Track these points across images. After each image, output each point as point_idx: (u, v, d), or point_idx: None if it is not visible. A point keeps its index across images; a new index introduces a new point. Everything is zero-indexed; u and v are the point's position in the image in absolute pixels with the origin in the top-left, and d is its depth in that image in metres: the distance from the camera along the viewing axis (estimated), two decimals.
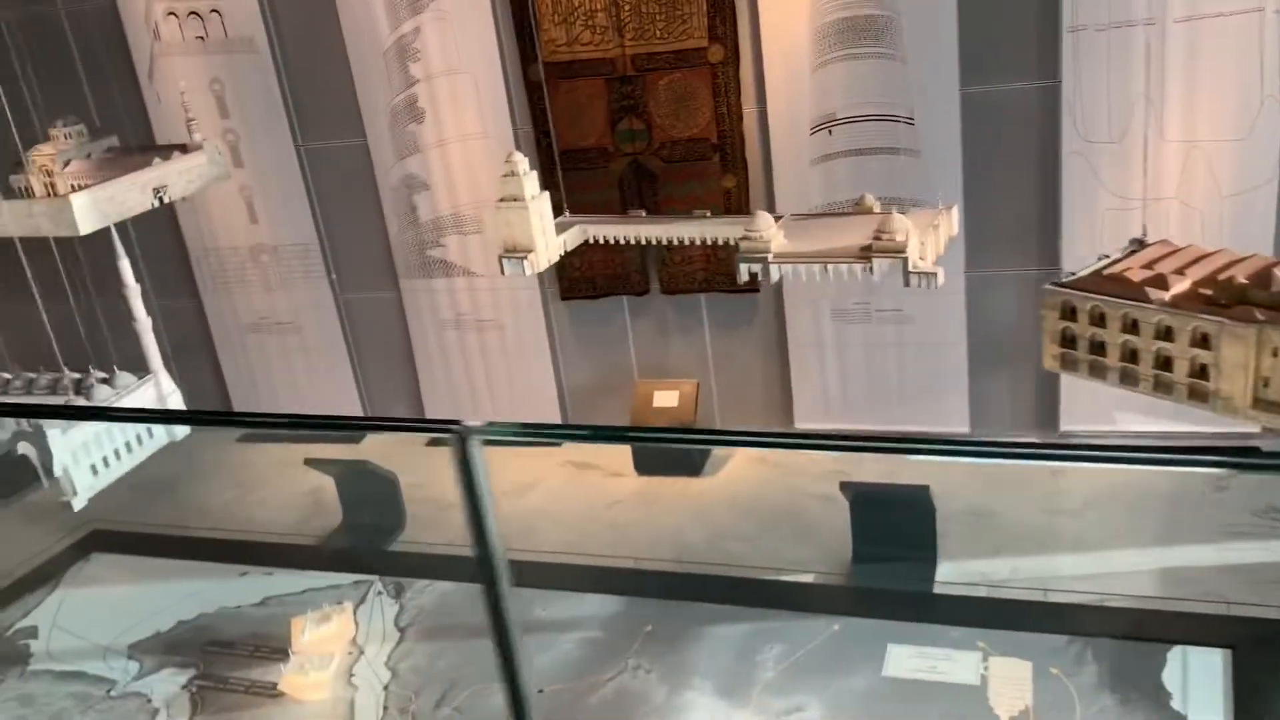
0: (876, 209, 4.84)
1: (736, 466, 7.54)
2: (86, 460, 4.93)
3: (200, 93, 7.86)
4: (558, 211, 5.49)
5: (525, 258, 4.90)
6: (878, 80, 6.59)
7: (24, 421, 5.10)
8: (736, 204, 7.15)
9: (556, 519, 7.14)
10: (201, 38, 7.76)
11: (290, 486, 7.91)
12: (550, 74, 7.16)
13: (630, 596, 5.99)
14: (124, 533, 7.39)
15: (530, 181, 5.03)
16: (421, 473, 7.44)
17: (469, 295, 7.98)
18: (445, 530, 7.17)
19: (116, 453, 5.14)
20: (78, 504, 4.93)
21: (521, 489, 7.46)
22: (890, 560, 6.02)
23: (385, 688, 5.47)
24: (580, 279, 7.69)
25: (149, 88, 8.04)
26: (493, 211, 4.94)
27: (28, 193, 6.59)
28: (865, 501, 5.99)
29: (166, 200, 6.31)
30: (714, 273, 7.38)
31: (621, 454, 7.72)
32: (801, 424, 7.59)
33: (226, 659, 5.88)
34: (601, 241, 5.49)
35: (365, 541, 7.12)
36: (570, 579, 6.18)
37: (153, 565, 7.01)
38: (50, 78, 8.40)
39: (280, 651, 5.84)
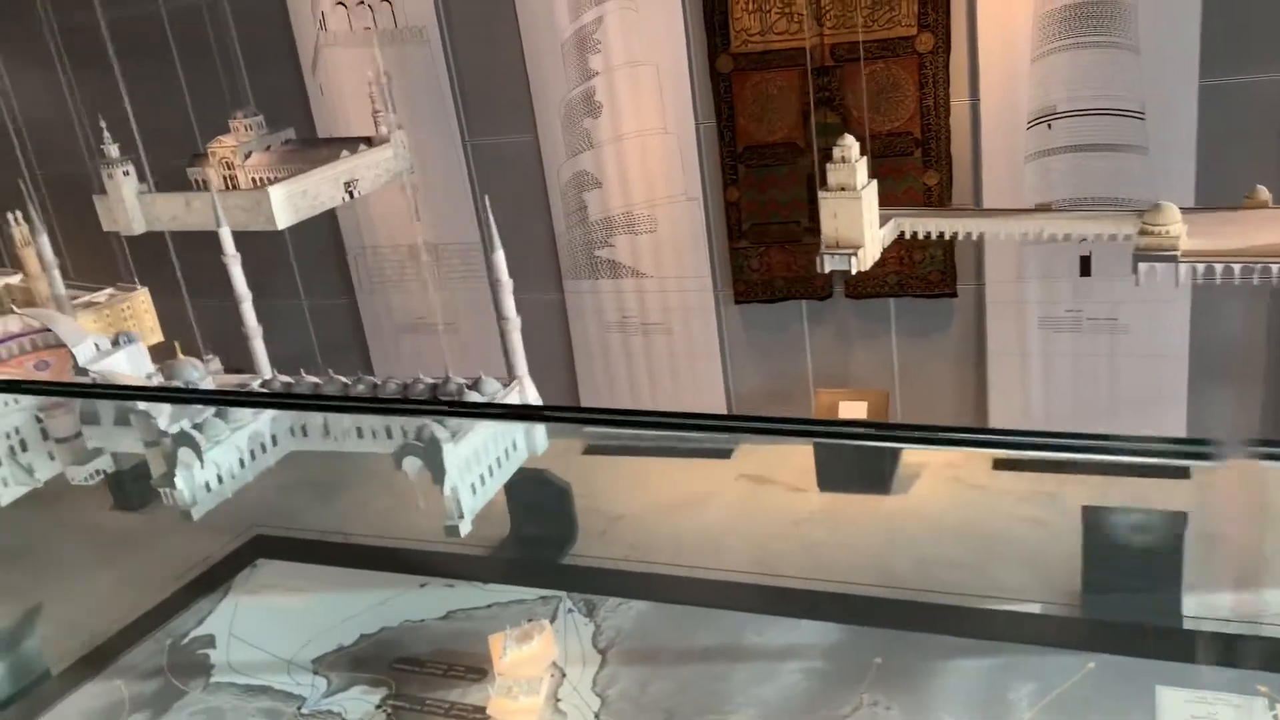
0: (1270, 204, 4.25)
1: (928, 485, 7.08)
2: (468, 478, 4.64)
3: (366, 85, 7.62)
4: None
5: (853, 254, 4.46)
6: (1106, 71, 6.10)
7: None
8: (938, 202, 6.71)
9: (741, 536, 6.75)
10: (370, 28, 7.53)
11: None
12: (739, 65, 6.79)
13: (845, 624, 5.56)
14: (287, 539, 7.16)
15: (861, 169, 4.58)
16: (588, 482, 7.13)
17: (637, 297, 7.64)
18: (618, 544, 6.84)
19: (490, 469, 4.83)
20: (464, 529, 4.60)
21: (695, 503, 7.08)
22: (1129, 591, 5.52)
23: (596, 716, 5.11)
24: (757, 282, 7.31)
25: (311, 80, 7.84)
26: (821, 202, 4.51)
27: (205, 185, 6.40)
28: (1103, 526, 5.50)
29: (356, 195, 6.06)
30: (909, 275, 6.95)
31: (801, 469, 7.32)
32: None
33: (419, 678, 5.58)
34: (922, 236, 4.88)
35: (539, 554, 6.79)
36: (774, 603, 5.78)
37: (321, 573, 6.75)
38: (208, 68, 8.25)
39: (476, 671, 5.53)
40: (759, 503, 7.22)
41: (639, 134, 7.16)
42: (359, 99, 7.70)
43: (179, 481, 4.57)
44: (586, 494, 7.03)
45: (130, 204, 5.68)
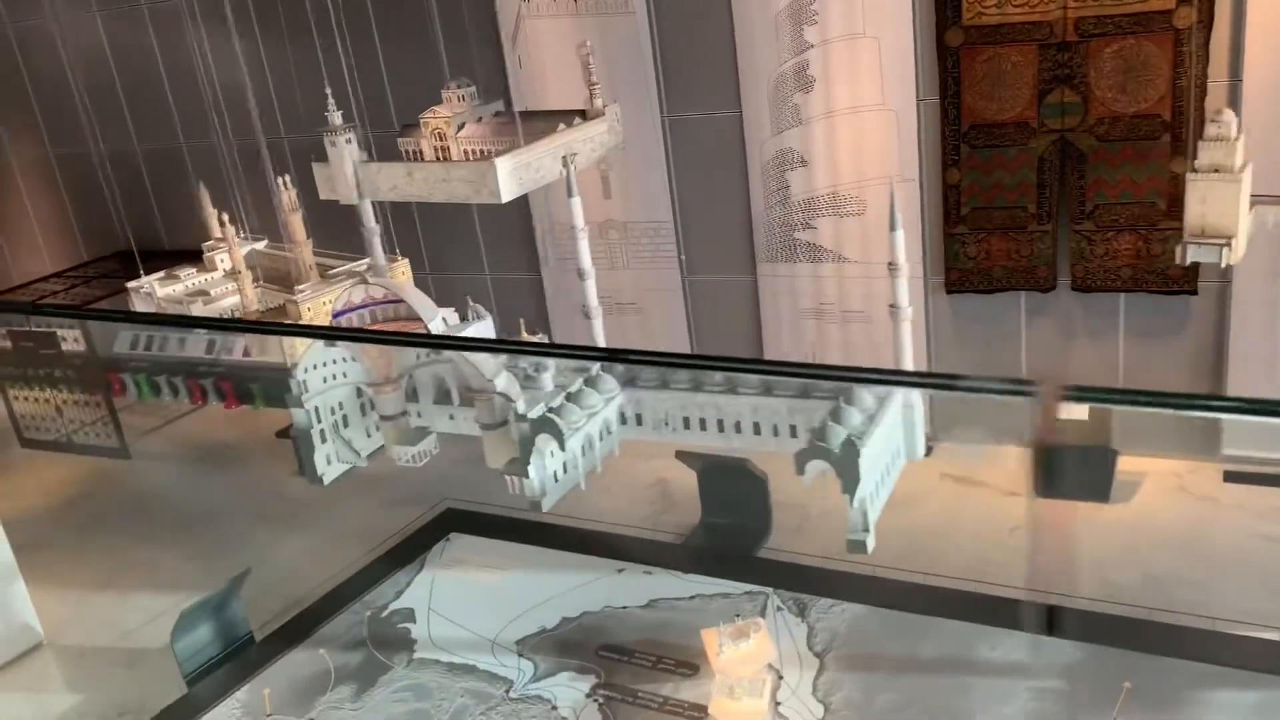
0: None
1: (1151, 495, 6.60)
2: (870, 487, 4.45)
3: (566, 57, 7.47)
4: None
5: (1225, 245, 4.05)
6: None
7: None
8: (1184, 193, 6.17)
9: (951, 540, 6.40)
10: None
11: (631, 476, 7.46)
12: (970, 39, 6.37)
13: (1080, 642, 5.17)
14: (477, 514, 7.11)
15: (1239, 148, 4.13)
16: (778, 474, 6.85)
17: (836, 283, 7.30)
18: (815, 540, 6.55)
19: (882, 477, 4.62)
20: (870, 544, 4.38)
21: (898, 503, 6.72)
22: None
23: None
24: (974, 270, 6.89)
25: (510, 52, 7.71)
26: (1189, 183, 4.10)
27: (418, 155, 6.32)
28: None
29: (575, 169, 5.89)
30: (1144, 269, 6.44)
31: (1010, 472, 6.91)
32: (1232, 450, 6.56)
33: (628, 668, 5.42)
34: None
35: (733, 545, 6.56)
36: (998, 614, 5.42)
37: (514, 551, 6.67)
38: (404, 40, 8.22)
39: (687, 665, 5.34)
40: (968, 506, 6.83)
41: (854, 110, 6.81)
42: (560, 71, 7.55)
43: (532, 470, 4.42)
44: (778, 487, 6.77)
45: (350, 173, 5.63)
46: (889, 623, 5.49)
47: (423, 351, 4.61)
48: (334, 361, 4.42)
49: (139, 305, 5.05)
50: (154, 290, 4.92)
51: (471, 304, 5.23)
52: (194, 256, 10.13)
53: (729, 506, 6.77)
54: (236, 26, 8.99)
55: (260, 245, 5.48)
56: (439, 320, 4.64)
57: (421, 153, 6.26)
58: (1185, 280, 6.39)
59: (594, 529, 6.84)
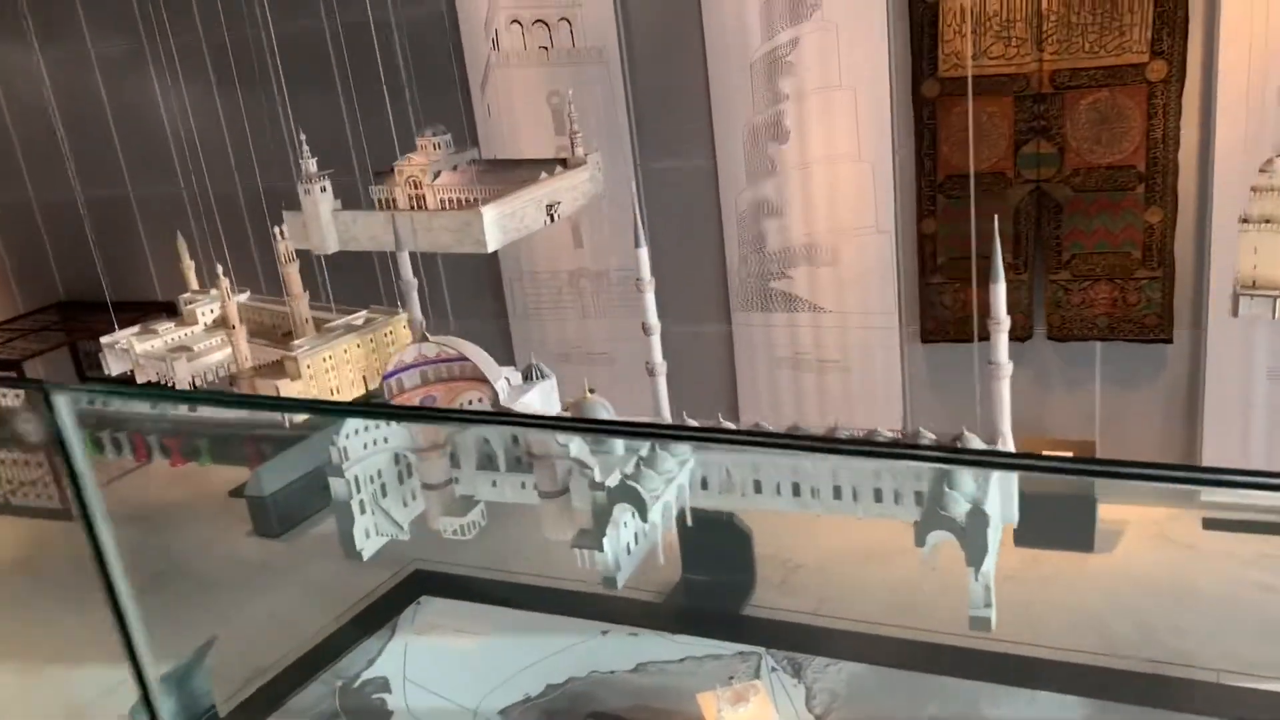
0: None
1: (1135, 543, 6.59)
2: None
3: (536, 105, 7.39)
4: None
5: (1278, 298, 4.00)
6: None
7: None
8: (1160, 240, 6.27)
9: (936, 593, 6.29)
10: (546, 48, 7.28)
11: None
12: (946, 90, 6.42)
13: (1085, 697, 5.09)
14: (447, 574, 6.85)
15: None
16: (757, 527, 6.72)
17: (812, 332, 7.25)
18: (801, 595, 6.42)
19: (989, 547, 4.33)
20: (994, 621, 4.04)
21: (879, 554, 6.63)
22: None
23: None
24: (949, 319, 6.89)
25: (480, 99, 7.60)
26: (1240, 234, 4.07)
27: (391, 204, 6.12)
28: None
29: (557, 218, 5.75)
30: (1121, 318, 6.49)
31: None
32: (1210, 498, 6.59)
33: None
34: None
35: (717, 602, 6.39)
36: (998, 670, 5.33)
37: (488, 614, 6.42)
38: (370, 87, 8.05)
39: None
40: (950, 557, 6.75)
41: (828, 160, 6.81)
42: (529, 119, 7.46)
43: (608, 544, 4.11)
44: (759, 540, 6.64)
45: (326, 222, 5.43)
46: (889, 681, 5.36)
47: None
48: (375, 426, 4.17)
49: (114, 362, 4.75)
50: (131, 346, 4.63)
51: (534, 361, 4.99)
52: (138, 307, 9.82)
53: (712, 563, 6.60)
54: (187, 73, 8.74)
55: (243, 298, 5.23)
56: (504, 382, 4.41)
57: (395, 201, 6.07)
58: (1161, 329, 6.45)
59: (569, 588, 6.61)
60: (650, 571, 6.93)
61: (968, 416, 7.22)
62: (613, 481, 4.16)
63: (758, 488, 4.30)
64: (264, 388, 4.38)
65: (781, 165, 6.94)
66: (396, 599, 6.65)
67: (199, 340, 4.79)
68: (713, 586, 6.54)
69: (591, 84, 7.25)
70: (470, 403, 4.32)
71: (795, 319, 7.28)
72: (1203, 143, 6.07)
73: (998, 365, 4.17)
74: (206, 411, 9.57)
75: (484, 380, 4.32)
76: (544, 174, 5.80)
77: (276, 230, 5.06)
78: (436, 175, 6.03)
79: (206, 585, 7.36)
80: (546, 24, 7.21)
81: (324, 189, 5.47)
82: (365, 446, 4.25)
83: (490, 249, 5.22)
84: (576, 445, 4.30)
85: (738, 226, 7.25)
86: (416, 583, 6.81)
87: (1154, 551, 6.48)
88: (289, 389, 4.34)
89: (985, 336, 6.94)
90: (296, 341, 4.59)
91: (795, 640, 5.73)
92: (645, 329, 4.86)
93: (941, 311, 6.88)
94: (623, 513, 4.15)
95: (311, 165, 5.47)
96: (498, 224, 5.25)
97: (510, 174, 5.92)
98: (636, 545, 4.32)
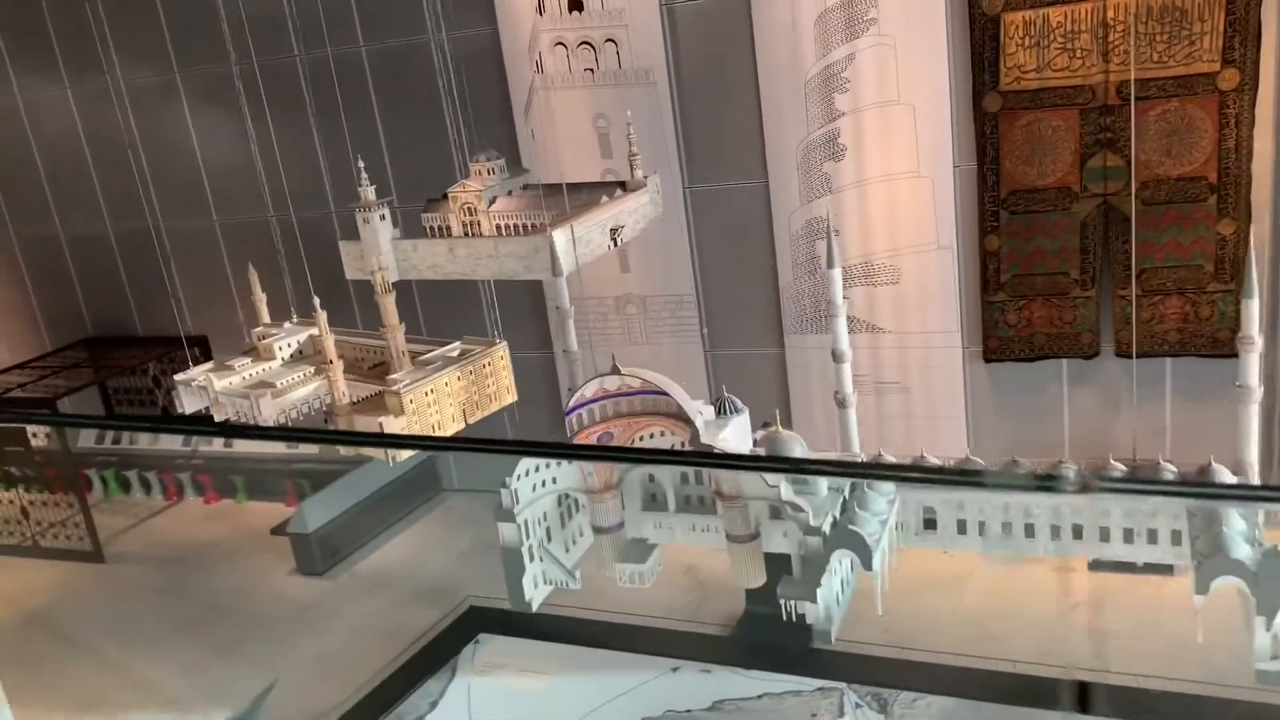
0: None
1: None
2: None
3: (581, 130, 7.25)
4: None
5: None
6: None
7: None
8: (1232, 253, 6.11)
9: (1011, 621, 6.09)
10: (591, 70, 7.15)
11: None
12: (1009, 104, 6.28)
13: None
14: (503, 610, 6.62)
15: None
16: None
17: (870, 354, 7.08)
18: (867, 626, 6.21)
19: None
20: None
21: (945, 582, 6.43)
22: None
23: None
24: (1014, 338, 6.72)
25: (523, 124, 7.46)
26: None
27: (445, 232, 5.97)
28: None
29: (620, 243, 5.60)
30: (1193, 333, 6.32)
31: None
32: None
33: None
34: None
35: (784, 635, 6.17)
36: (1097, 702, 5.10)
37: (551, 651, 6.20)
38: (406, 114, 7.93)
39: None
40: (1020, 583, 6.56)
41: (886, 178, 6.66)
42: (574, 143, 7.33)
43: (822, 593, 3.83)
44: None
45: (386, 251, 5.27)
46: (980, 716, 5.15)
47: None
48: (545, 466, 3.97)
49: (189, 400, 4.58)
50: (210, 383, 4.45)
51: (727, 394, 4.76)
52: (171, 343, 9.65)
53: (773, 593, 6.40)
54: (219, 103, 8.62)
55: (311, 331, 5.05)
56: (699, 417, 4.19)
57: (449, 228, 5.92)
58: (1235, 344, 6.27)
59: (631, 622, 6.42)
60: (711, 603, 6.77)
61: (1031, 439, 7.06)
62: (828, 525, 3.84)
63: (961, 527, 4.08)
64: (365, 424, 4.20)
65: (837, 183, 6.79)
66: (454, 637, 6.44)
67: (280, 375, 4.61)
68: (775, 618, 6.33)
69: (638, 106, 7.10)
70: (650, 438, 4.13)
71: (853, 340, 7.09)
72: (1278, 152, 5.93)
73: (1247, 389, 3.91)
74: (241, 446, 9.38)
75: (668, 415, 4.10)
76: (604, 197, 5.65)
77: (376, 261, 4.89)
78: (492, 201, 5.89)
79: (252, 627, 7.16)
80: (592, 45, 7.08)
81: (383, 217, 5.32)
82: (534, 489, 4.04)
83: (562, 274, 5.06)
84: (787, 487, 4.02)
85: (791, 247, 7.09)
86: (472, 619, 6.61)
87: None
88: (391, 425, 4.15)
89: (1053, 355, 6.78)
90: (395, 375, 4.41)
91: (876, 674, 5.52)
92: (835, 356, 4.59)
93: (1005, 330, 6.71)
94: (840, 559, 3.84)
95: (370, 193, 5.31)
96: (566, 249, 5.10)
97: (573, 198, 5.77)
98: (844, 594, 4.03)
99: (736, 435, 4.46)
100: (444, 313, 8.29)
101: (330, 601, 7.34)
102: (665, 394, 4.16)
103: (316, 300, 4.62)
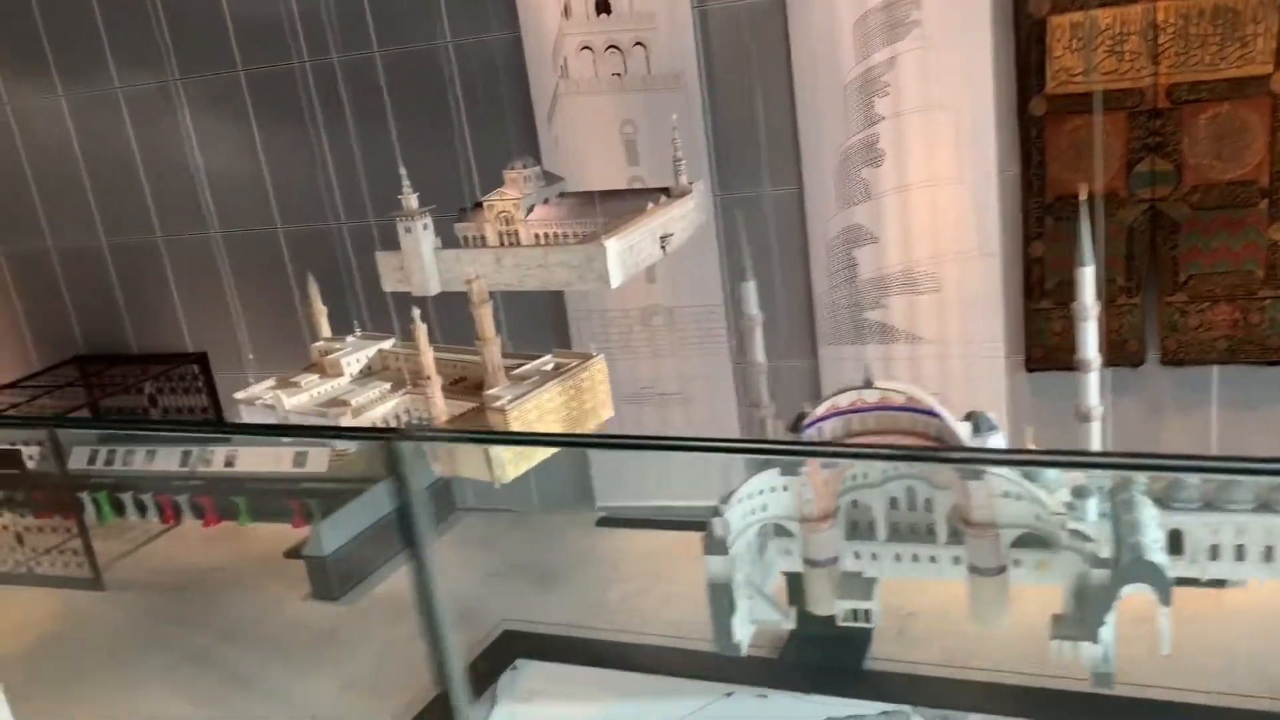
0: None
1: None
2: None
3: (607, 136, 7.05)
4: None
5: None
6: None
7: None
8: None
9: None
10: (619, 74, 6.94)
11: (686, 581, 6.84)
12: (1055, 108, 6.15)
13: None
14: (539, 635, 6.40)
15: None
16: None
17: (910, 364, 6.91)
18: (923, 646, 6.02)
19: None
20: None
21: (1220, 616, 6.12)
22: None
23: None
24: (1058, 346, 6.57)
25: (546, 131, 7.24)
26: None
27: (480, 241, 5.73)
28: None
29: (669, 250, 5.39)
30: (1243, 339, 6.21)
31: None
32: None
33: None
34: None
35: (837, 656, 5.97)
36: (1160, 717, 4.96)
37: (594, 677, 5.97)
38: (423, 119, 7.67)
39: None
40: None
41: (928, 184, 6.51)
42: (599, 150, 7.12)
43: (1104, 632, 3.29)
44: None
45: (428, 261, 5.02)
46: None
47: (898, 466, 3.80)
48: (759, 492, 3.68)
49: (252, 418, 4.31)
50: (279, 401, 4.17)
51: (980, 410, 4.42)
52: (167, 360, 9.30)
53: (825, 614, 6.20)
54: (220, 111, 8.33)
55: (388, 344, 4.79)
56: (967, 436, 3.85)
57: (485, 238, 5.68)
58: None
59: (672, 645, 6.19)
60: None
61: (1074, 443, 6.90)
62: (1121, 556, 3.39)
63: (1213, 553, 3.83)
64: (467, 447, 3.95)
65: (875, 190, 6.63)
66: (491, 663, 6.18)
67: (352, 392, 4.34)
68: (826, 639, 6.13)
69: (668, 112, 6.88)
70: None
71: (891, 350, 6.94)
72: None
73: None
74: (243, 466, 9.05)
75: (910, 433, 3.83)
76: (649, 204, 5.44)
77: (470, 270, 4.63)
78: (530, 209, 5.66)
79: (271, 656, 6.84)
80: (620, 49, 6.88)
81: (425, 226, 5.07)
82: (743, 516, 3.78)
83: (615, 284, 4.84)
84: (1092, 521, 3.59)
85: (826, 255, 6.92)
86: (509, 644, 6.35)
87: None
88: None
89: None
90: (493, 390, 4.15)
91: (940, 695, 5.33)
92: (1080, 365, 4.12)
93: (1050, 338, 6.58)
94: (1124, 593, 3.42)
95: (412, 201, 5.06)
96: (619, 258, 4.88)
97: (612, 206, 5.56)
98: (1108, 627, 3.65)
99: None
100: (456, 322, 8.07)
101: (351, 628, 7.04)
102: (915, 410, 3.87)
103: (417, 312, 4.36)
